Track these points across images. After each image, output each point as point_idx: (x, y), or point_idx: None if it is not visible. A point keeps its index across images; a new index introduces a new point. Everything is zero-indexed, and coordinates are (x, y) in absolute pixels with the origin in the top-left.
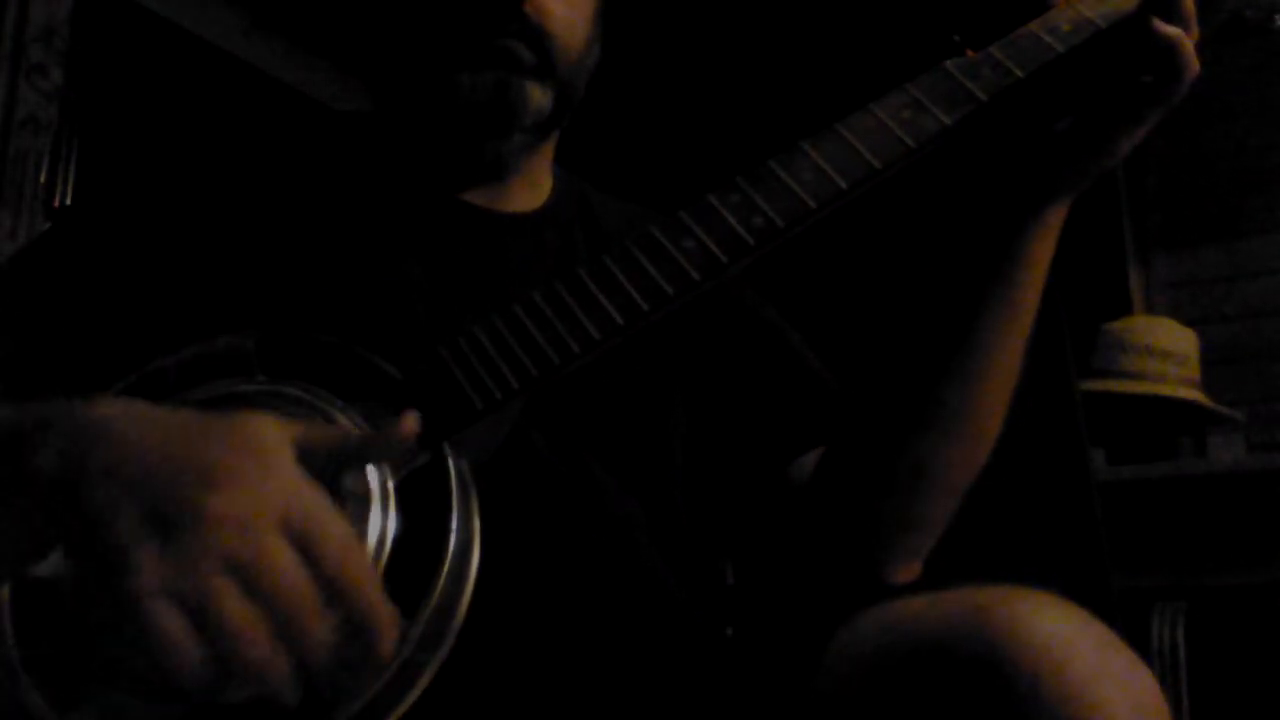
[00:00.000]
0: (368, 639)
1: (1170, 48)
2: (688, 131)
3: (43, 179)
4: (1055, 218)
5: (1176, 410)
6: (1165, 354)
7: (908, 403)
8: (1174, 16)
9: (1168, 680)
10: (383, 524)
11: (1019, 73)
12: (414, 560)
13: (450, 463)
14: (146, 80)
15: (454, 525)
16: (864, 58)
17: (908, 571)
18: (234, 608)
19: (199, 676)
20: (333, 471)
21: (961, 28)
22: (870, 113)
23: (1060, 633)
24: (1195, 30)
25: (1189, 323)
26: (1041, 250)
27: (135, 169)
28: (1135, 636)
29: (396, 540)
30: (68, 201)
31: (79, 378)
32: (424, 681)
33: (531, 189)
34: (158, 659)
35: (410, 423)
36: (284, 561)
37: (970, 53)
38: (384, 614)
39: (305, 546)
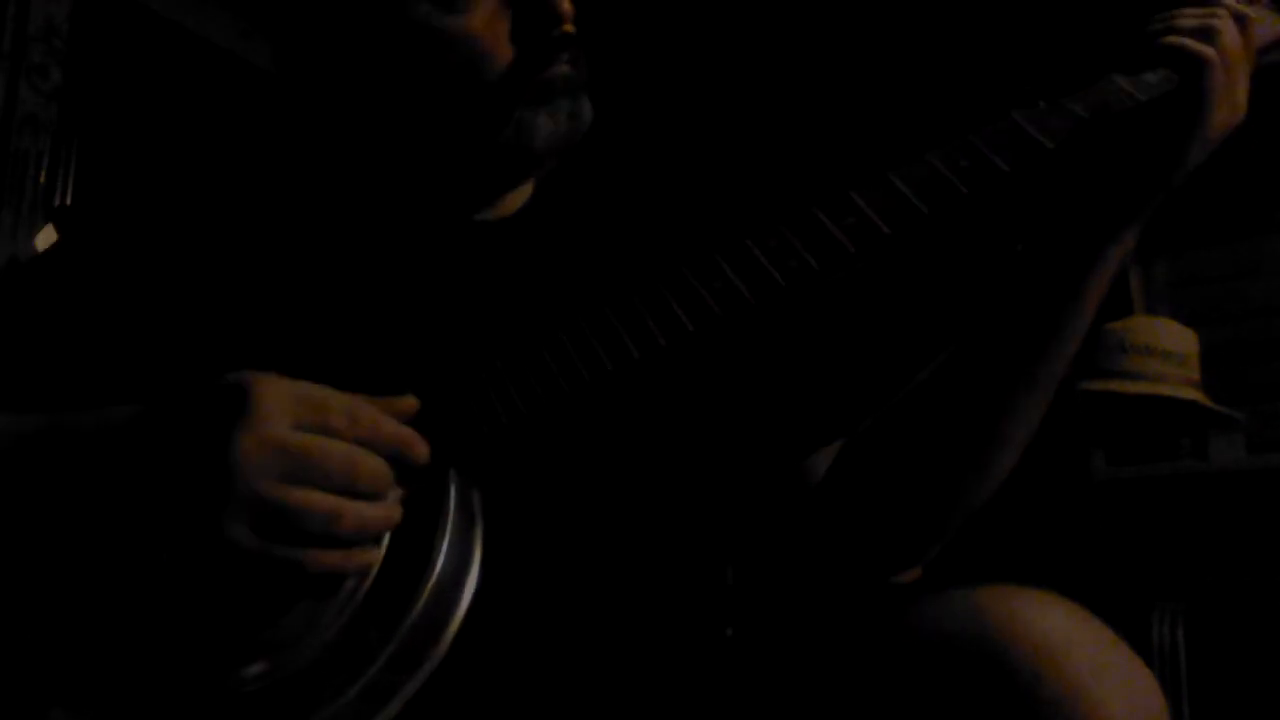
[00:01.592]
0: (406, 454)
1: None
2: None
3: (43, 179)
4: (1118, 253)
5: (1176, 410)
6: (1165, 354)
7: (934, 433)
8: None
9: (1168, 680)
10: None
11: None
12: (397, 580)
13: (451, 488)
14: (146, 80)
15: (442, 548)
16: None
17: (910, 572)
18: (311, 500)
19: (328, 559)
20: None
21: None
22: (925, 161)
23: (1060, 631)
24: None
25: (1189, 323)
26: (1096, 292)
27: (134, 180)
28: (1135, 636)
29: (385, 558)
30: (68, 201)
31: (71, 397)
32: (394, 705)
33: (511, 196)
34: (292, 571)
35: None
36: (314, 445)
37: (1041, 104)
38: (404, 432)
39: (322, 427)
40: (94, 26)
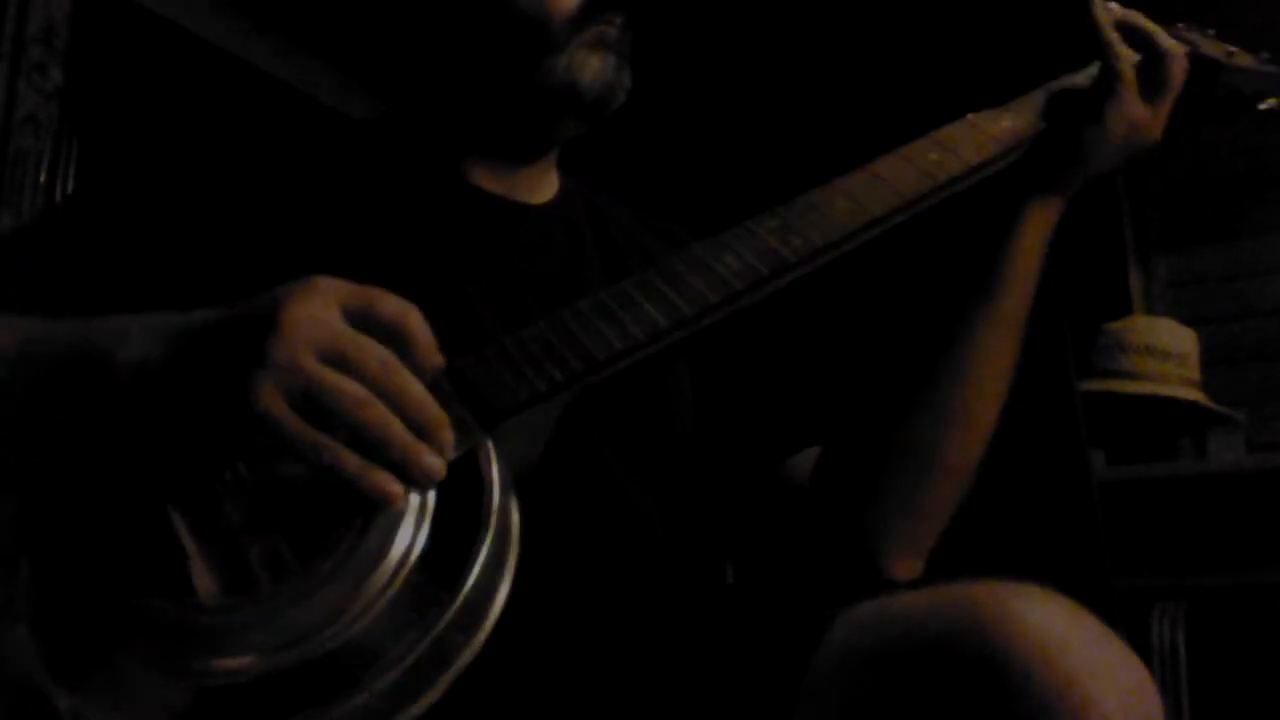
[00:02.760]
0: (427, 367)
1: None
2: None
3: (43, 179)
4: (1036, 218)
5: (1176, 410)
6: (1165, 354)
7: (903, 393)
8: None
9: (1168, 680)
10: (416, 527)
11: (1042, 123)
12: (452, 543)
13: (491, 453)
14: (146, 80)
15: (494, 505)
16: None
17: (908, 568)
18: (335, 381)
19: (344, 456)
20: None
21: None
22: (899, 154)
23: (1053, 626)
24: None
25: (1189, 323)
26: (1024, 252)
27: (142, 166)
28: (1135, 636)
29: (431, 533)
30: None
31: None
32: (461, 662)
33: (542, 182)
34: (307, 455)
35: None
36: (354, 333)
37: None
38: (430, 340)
39: (364, 316)
40: (94, 26)
